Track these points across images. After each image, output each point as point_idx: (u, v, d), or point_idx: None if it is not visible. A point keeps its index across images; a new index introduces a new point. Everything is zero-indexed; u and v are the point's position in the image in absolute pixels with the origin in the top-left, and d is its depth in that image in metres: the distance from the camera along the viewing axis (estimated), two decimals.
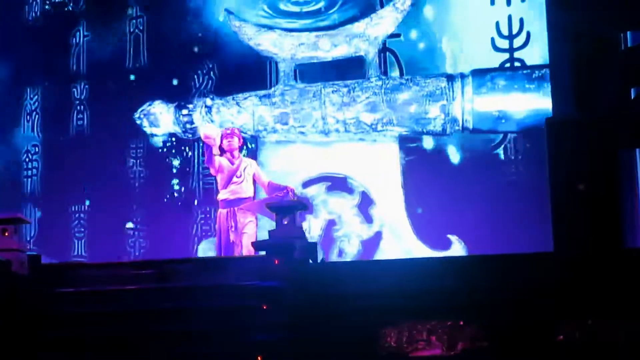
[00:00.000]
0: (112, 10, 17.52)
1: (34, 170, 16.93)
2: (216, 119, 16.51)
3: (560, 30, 14.27)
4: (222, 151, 14.51)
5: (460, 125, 15.38)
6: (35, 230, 17.00)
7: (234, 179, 14.89)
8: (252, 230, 14.72)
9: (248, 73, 16.57)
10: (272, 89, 16.46)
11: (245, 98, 16.47)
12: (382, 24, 15.95)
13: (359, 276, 12.85)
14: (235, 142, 14.77)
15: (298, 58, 16.32)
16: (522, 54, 14.79)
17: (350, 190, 15.89)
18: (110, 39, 17.48)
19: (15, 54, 17.78)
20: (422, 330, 11.75)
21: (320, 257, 13.03)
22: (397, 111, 15.56)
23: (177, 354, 12.98)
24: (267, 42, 16.67)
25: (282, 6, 16.45)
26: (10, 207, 16.28)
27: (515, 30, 14.77)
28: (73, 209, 17.02)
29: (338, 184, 15.82)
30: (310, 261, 13.10)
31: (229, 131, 14.89)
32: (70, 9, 17.94)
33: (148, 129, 17.05)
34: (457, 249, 15.27)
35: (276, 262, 12.93)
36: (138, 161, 17.08)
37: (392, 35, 15.35)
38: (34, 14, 17.96)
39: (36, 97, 17.45)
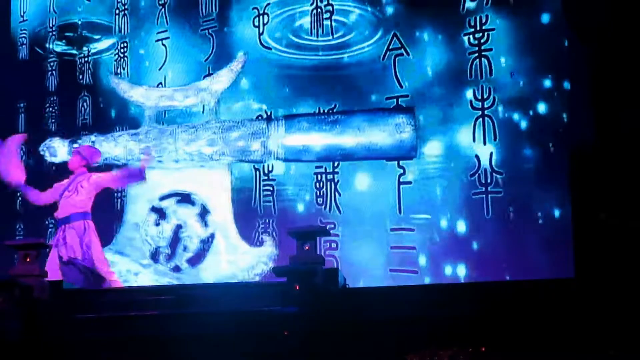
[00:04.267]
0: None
1: (123, 193, 13.66)
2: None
3: (580, 58, 10.73)
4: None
5: (275, 156, 12.74)
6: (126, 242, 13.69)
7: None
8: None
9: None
10: (140, 128, 13.70)
11: (120, 135, 13.82)
12: (221, 81, 13.22)
13: (380, 302, 9.07)
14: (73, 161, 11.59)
15: (160, 106, 13.60)
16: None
17: (193, 203, 13.31)
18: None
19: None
20: (444, 356, 8.46)
21: (341, 283, 9.51)
22: (229, 145, 13.02)
23: None
24: (137, 95, 13.84)
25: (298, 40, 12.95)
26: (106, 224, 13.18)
27: (486, 96, 11.36)
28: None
29: (185, 198, 13.38)
30: (332, 287, 9.23)
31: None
32: None
33: (49, 159, 14.20)
34: (269, 244, 12.59)
35: (297, 288, 8.91)
36: None
37: (402, 96, 11.95)
38: None
39: None
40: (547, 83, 10.89)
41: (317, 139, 12.38)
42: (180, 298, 9.02)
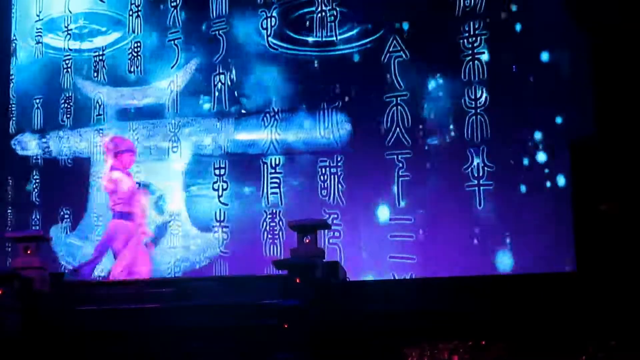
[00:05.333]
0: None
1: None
2: (65, 144, 12.43)
3: (582, 50, 9.43)
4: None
5: (224, 150, 11.49)
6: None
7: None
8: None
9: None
10: (104, 124, 12.30)
11: (85, 131, 12.43)
12: (177, 82, 11.84)
13: (381, 295, 7.69)
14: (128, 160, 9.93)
15: (120, 104, 12.32)
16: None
17: (152, 192, 11.71)
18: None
19: None
20: (444, 349, 8.05)
21: (342, 276, 8.17)
22: (184, 140, 11.77)
23: None
24: (101, 94, 12.41)
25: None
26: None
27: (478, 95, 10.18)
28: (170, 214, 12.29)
29: (144, 187, 11.24)
30: (332, 280, 7.85)
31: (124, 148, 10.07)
32: None
33: (20, 152, 12.74)
34: (219, 232, 11.36)
35: (297, 280, 7.47)
36: None
37: (400, 95, 10.54)
38: None
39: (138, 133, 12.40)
40: (545, 83, 10.12)
41: (263, 135, 11.53)
42: (181, 290, 7.82)
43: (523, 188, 10.20)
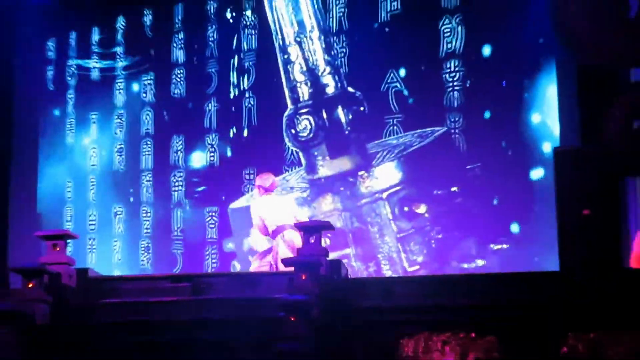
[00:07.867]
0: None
1: (180, 187, 12.65)
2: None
3: (568, 64, 9.79)
4: None
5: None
6: (181, 223, 12.61)
7: None
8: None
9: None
10: None
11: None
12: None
13: (380, 291, 7.61)
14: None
15: None
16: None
17: None
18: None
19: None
20: (437, 341, 7.35)
21: (344, 273, 8.15)
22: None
23: None
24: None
25: None
26: (165, 210, 12.83)
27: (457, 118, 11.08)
28: (207, 210, 12.66)
29: None
30: (335, 277, 7.89)
31: None
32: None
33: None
34: None
35: (303, 277, 7.53)
36: None
37: (396, 117, 11.33)
38: None
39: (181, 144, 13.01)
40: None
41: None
42: (196, 285, 7.98)
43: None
